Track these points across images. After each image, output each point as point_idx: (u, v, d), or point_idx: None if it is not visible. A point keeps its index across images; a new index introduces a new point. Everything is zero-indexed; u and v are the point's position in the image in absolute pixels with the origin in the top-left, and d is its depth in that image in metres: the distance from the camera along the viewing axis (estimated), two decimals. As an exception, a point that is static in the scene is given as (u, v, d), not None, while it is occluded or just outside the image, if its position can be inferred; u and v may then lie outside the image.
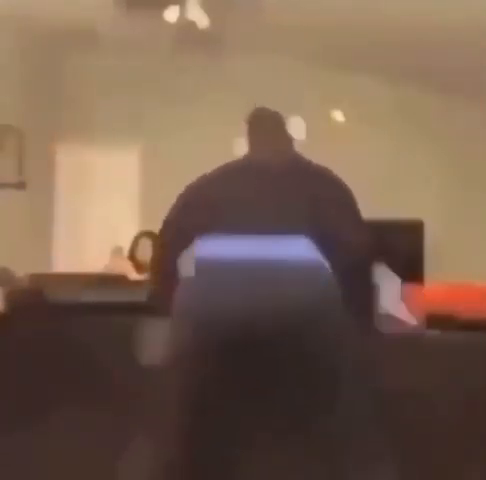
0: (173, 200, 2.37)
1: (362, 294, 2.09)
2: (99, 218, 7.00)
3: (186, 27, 5.09)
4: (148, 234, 5.01)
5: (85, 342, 2.50)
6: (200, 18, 5.00)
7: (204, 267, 2.02)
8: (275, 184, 2.19)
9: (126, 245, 5.33)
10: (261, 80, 6.70)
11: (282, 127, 2.47)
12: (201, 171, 2.36)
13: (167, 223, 2.40)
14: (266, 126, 2.42)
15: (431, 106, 7.12)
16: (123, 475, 2.12)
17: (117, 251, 5.43)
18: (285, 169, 2.26)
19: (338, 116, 6.85)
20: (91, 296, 2.73)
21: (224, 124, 6.28)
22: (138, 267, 5.09)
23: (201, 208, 2.24)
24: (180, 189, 2.37)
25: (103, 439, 2.41)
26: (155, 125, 6.89)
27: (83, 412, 2.43)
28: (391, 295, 2.08)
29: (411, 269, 7.09)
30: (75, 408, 2.44)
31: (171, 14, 5.03)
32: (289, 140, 2.46)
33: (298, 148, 2.45)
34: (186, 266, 2.09)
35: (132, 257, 5.23)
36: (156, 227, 5.60)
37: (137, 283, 4.33)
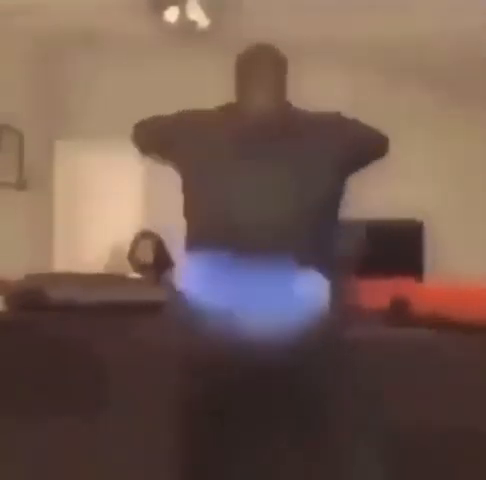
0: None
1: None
2: (99, 218, 7.00)
3: (187, 28, 5.09)
4: (148, 234, 5.02)
5: (85, 342, 2.50)
6: (201, 19, 5.00)
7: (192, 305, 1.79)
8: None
9: (126, 245, 5.34)
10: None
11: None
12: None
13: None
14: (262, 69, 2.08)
15: (431, 106, 7.12)
16: None
17: (117, 251, 5.43)
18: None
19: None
20: (91, 296, 2.73)
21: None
22: (138, 267, 5.09)
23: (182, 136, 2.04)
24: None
25: (103, 438, 2.41)
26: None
27: (82, 411, 2.43)
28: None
29: (411, 269, 7.12)
30: (75, 407, 2.43)
31: (171, 14, 5.03)
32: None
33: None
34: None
35: (132, 257, 5.23)
36: (156, 227, 5.63)
37: (137, 283, 4.33)
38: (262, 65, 2.07)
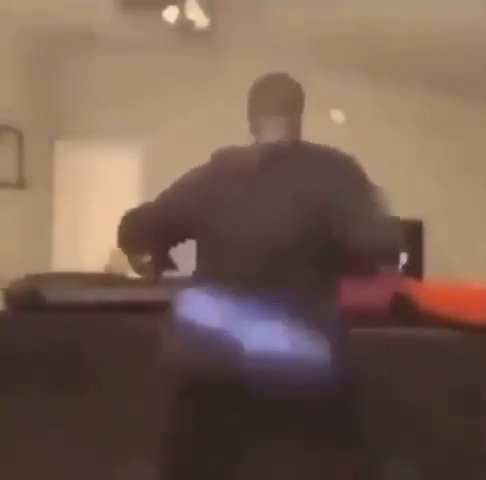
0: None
1: None
2: (99, 218, 7.00)
3: (186, 27, 5.10)
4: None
5: (85, 341, 2.50)
6: (199, 18, 5.00)
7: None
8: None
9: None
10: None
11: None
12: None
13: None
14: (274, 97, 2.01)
15: (431, 107, 7.13)
16: None
17: (117, 251, 5.42)
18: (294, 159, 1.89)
19: (338, 116, 6.86)
20: (91, 296, 2.73)
21: (224, 124, 6.29)
22: (138, 267, 5.08)
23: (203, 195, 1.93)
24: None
25: (101, 437, 2.41)
26: (155, 125, 6.89)
27: (81, 410, 2.43)
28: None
29: (411, 269, 7.12)
30: (74, 406, 2.44)
31: (170, 14, 5.03)
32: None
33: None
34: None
35: (132, 257, 5.22)
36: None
37: (137, 283, 4.33)
38: (273, 98, 2.01)
